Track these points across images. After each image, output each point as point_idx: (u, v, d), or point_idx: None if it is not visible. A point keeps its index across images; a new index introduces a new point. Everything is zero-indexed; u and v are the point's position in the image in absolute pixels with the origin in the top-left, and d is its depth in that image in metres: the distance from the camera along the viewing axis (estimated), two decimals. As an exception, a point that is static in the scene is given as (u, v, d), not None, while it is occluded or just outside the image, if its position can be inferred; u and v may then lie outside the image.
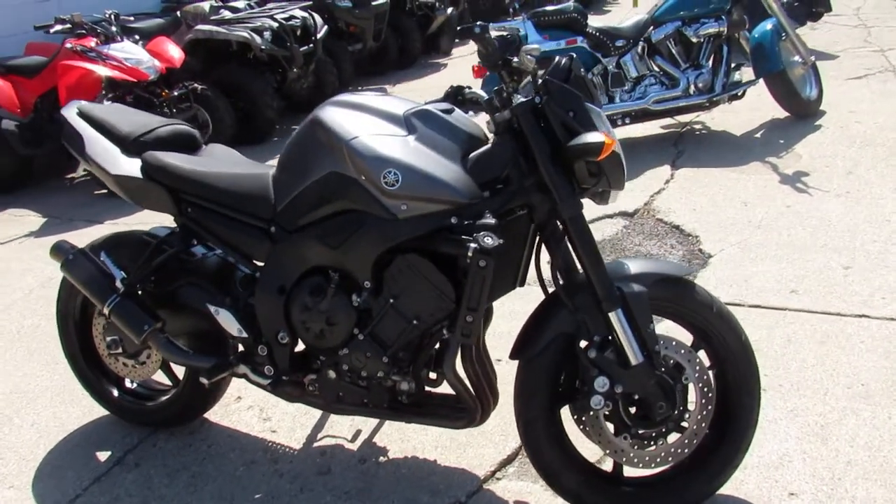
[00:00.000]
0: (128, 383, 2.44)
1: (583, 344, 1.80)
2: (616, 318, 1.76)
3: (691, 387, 1.84)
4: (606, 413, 1.81)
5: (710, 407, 1.87)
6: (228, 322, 2.02)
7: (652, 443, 1.84)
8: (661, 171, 4.29)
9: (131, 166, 2.06)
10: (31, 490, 2.22)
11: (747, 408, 1.87)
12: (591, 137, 1.67)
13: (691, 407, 1.85)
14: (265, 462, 2.26)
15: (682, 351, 1.85)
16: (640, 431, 1.82)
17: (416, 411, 1.97)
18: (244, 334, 2.01)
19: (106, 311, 2.07)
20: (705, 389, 1.86)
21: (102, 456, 2.35)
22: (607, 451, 1.84)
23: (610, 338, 1.78)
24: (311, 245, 1.87)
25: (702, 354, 1.89)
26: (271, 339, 1.99)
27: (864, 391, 2.29)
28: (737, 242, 3.34)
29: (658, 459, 1.86)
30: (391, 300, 1.83)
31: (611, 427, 1.83)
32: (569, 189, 1.74)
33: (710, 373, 1.87)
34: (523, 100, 1.76)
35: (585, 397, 1.78)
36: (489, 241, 1.67)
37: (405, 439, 2.28)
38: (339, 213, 1.84)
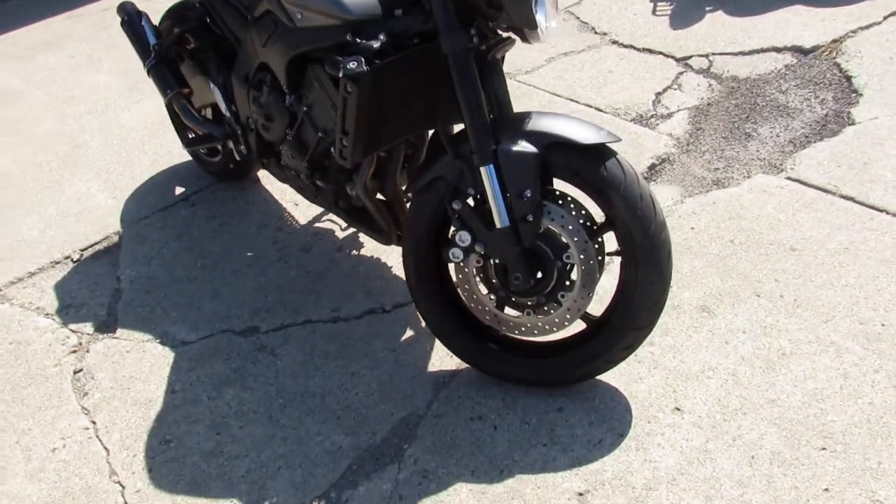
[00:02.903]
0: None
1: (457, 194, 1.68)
2: (486, 175, 1.60)
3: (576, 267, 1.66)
4: (477, 267, 1.73)
5: (590, 294, 1.67)
6: (219, 99, 2.22)
7: (516, 310, 1.73)
8: (897, -1, 3.26)
9: None
10: (122, 203, 2.82)
11: (635, 307, 1.64)
12: None
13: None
14: (272, 228, 2.56)
15: (571, 227, 1.64)
16: (506, 295, 1.72)
17: (354, 216, 2.05)
18: (228, 113, 2.21)
19: (145, 71, 2.40)
20: (588, 274, 1.65)
21: (178, 191, 2.84)
22: (471, 305, 1.78)
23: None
24: (254, 39, 1.93)
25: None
26: (244, 122, 2.16)
27: (877, 333, 1.81)
28: (904, 113, 2.56)
29: (522, 329, 1.75)
30: (305, 108, 1.86)
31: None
32: (450, 20, 1.52)
33: (599, 258, 1.66)
34: None
35: (449, 247, 1.70)
36: (353, 65, 1.57)
37: (382, 241, 2.39)
38: (269, 12, 1.84)
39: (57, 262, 2.56)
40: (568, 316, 1.71)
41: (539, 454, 1.68)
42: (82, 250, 2.60)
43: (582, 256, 1.64)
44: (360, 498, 1.67)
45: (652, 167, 2.52)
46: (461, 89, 1.56)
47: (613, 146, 1.61)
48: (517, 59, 3.29)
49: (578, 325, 1.77)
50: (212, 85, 2.24)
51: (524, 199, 1.59)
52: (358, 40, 1.63)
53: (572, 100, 2.95)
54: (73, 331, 2.26)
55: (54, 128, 3.38)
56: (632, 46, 3.25)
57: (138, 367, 2.09)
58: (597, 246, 1.71)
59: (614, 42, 3.32)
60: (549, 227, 1.65)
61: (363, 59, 1.58)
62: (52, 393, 2.05)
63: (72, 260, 2.57)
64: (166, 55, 2.38)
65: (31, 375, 2.11)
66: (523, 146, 1.58)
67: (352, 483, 1.70)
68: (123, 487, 1.77)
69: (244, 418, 1.90)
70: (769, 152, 2.50)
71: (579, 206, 1.69)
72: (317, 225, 2.54)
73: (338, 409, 1.88)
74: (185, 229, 2.62)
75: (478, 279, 1.74)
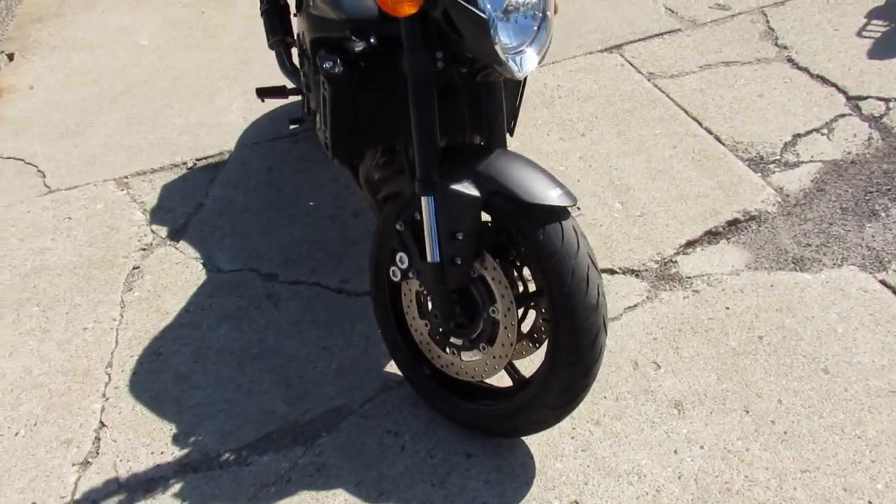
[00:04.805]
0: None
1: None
2: (426, 206, 1.50)
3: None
4: (418, 291, 1.66)
5: (507, 354, 1.53)
6: (298, 55, 2.30)
7: (446, 347, 1.64)
8: None
9: None
10: (248, 125, 3.07)
11: (549, 384, 1.48)
12: None
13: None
14: (341, 184, 2.60)
15: (500, 283, 1.49)
16: (437, 328, 1.64)
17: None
18: (302, 71, 2.28)
19: (259, 12, 2.54)
20: (508, 335, 1.51)
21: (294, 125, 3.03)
22: (411, 325, 1.72)
23: None
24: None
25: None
26: (306, 84, 2.22)
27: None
28: None
29: (449, 365, 1.66)
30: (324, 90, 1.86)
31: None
32: (413, 41, 1.41)
33: (517, 321, 1.51)
34: None
35: (391, 264, 1.64)
36: (328, 65, 1.54)
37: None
38: None
39: (175, 166, 2.89)
40: (486, 369, 1.59)
41: (422, 492, 1.63)
42: (197, 160, 2.90)
43: (506, 316, 1.51)
44: (261, 465, 1.76)
45: (733, 223, 2.17)
46: (414, 112, 1.46)
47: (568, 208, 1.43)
48: (669, 59, 2.94)
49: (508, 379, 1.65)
50: (298, 41, 2.32)
51: (455, 241, 1.48)
52: (353, 38, 1.59)
53: (696, 120, 2.59)
54: (152, 231, 2.56)
55: (238, 40, 3.72)
56: (806, 70, 2.73)
57: (176, 279, 2.34)
58: (545, 308, 1.55)
59: (790, 60, 2.81)
60: (483, 274, 1.52)
61: (339, 60, 1.55)
62: (110, 280, 2.37)
63: (187, 166, 2.88)
64: (279, 2, 2.49)
65: (106, 260, 2.46)
66: (465, 186, 1.45)
67: (262, 449, 1.80)
68: (109, 380, 2.04)
69: (221, 356, 2.06)
70: (884, 242, 2.02)
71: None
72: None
73: (293, 377, 1.97)
74: (278, 164, 2.80)
75: (415, 303, 1.68)
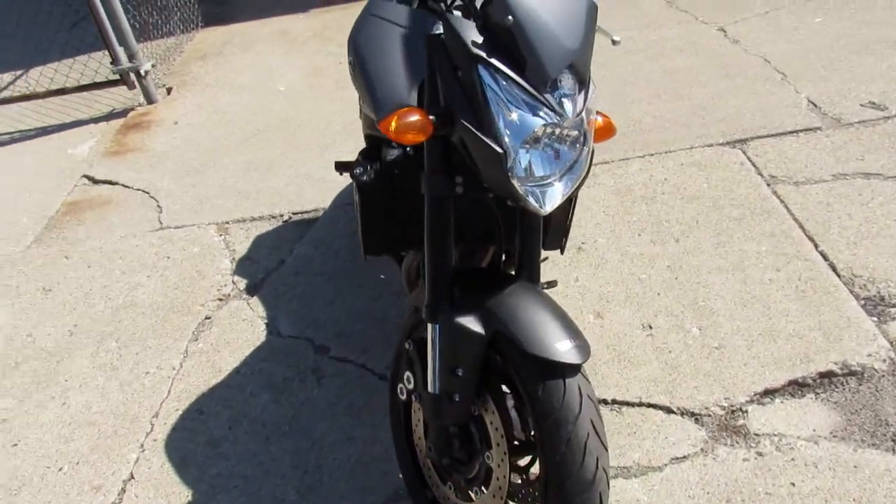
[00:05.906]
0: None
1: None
2: (430, 334, 1.38)
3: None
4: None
5: (497, 507, 1.37)
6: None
7: (445, 479, 1.51)
8: None
9: None
10: (346, 184, 3.11)
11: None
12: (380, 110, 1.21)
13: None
14: (417, 259, 2.58)
15: (498, 430, 1.34)
16: (434, 456, 1.50)
17: None
18: None
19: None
20: (500, 487, 1.35)
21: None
22: (416, 444, 1.59)
23: None
24: None
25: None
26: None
27: None
28: None
29: (445, 500, 1.53)
30: None
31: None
32: (434, 164, 1.31)
33: (508, 474, 1.33)
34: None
35: (399, 381, 1.54)
36: (359, 171, 1.48)
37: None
38: None
39: (273, 217, 2.98)
40: (476, 518, 1.44)
41: None
42: (294, 213, 2.97)
43: (499, 466, 1.35)
44: (255, 558, 1.72)
45: (827, 375, 1.84)
46: (427, 236, 1.36)
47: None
48: (798, 162, 2.62)
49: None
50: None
51: (454, 376, 1.36)
52: (393, 144, 1.53)
53: (812, 240, 2.26)
54: (233, 282, 2.64)
55: (362, 94, 3.82)
56: (963, 195, 2.31)
57: (238, 336, 2.38)
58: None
59: (945, 180, 2.40)
60: (483, 416, 1.38)
61: (370, 167, 1.49)
62: (182, 327, 2.46)
63: (283, 219, 2.96)
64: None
65: (185, 305, 2.56)
66: (471, 321, 1.33)
67: (261, 539, 1.75)
68: (151, 430, 2.10)
69: (254, 426, 2.05)
70: None
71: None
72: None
73: (312, 464, 1.91)
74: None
75: (422, 423, 1.56)
